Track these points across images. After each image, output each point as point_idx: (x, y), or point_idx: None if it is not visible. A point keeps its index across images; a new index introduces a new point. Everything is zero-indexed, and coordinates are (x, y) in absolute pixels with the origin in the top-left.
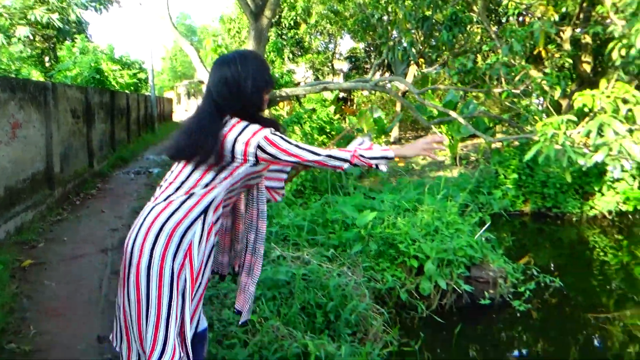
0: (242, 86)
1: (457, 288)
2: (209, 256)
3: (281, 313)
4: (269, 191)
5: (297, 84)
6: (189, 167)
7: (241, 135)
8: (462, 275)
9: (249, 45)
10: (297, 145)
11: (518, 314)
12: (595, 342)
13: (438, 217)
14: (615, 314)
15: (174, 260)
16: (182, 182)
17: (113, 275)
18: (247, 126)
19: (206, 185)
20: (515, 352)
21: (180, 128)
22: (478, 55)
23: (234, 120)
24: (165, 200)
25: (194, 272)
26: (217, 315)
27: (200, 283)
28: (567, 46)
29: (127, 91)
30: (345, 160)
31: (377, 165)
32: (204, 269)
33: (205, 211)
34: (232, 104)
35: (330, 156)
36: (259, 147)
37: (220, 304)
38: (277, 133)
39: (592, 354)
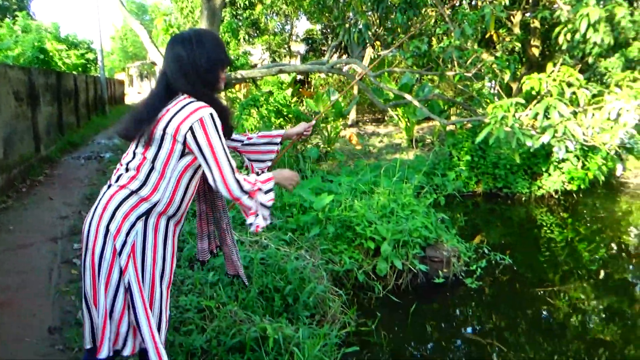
0: (197, 64)
1: (412, 268)
2: (164, 246)
3: (239, 298)
4: (251, 165)
5: (254, 66)
6: (133, 147)
7: (179, 113)
8: (417, 255)
9: (202, 25)
10: (225, 152)
11: (471, 291)
12: (543, 315)
13: (394, 199)
14: (560, 287)
15: (123, 245)
16: (128, 163)
17: (64, 265)
18: (189, 103)
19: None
20: (469, 328)
21: (134, 107)
22: (433, 38)
23: (182, 96)
24: (117, 182)
25: (136, 261)
26: (174, 302)
27: (162, 272)
28: (517, 30)
29: (74, 72)
30: (249, 209)
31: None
32: (163, 259)
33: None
34: (186, 83)
35: (243, 190)
36: (191, 129)
37: (177, 290)
38: (217, 121)
39: (539, 325)
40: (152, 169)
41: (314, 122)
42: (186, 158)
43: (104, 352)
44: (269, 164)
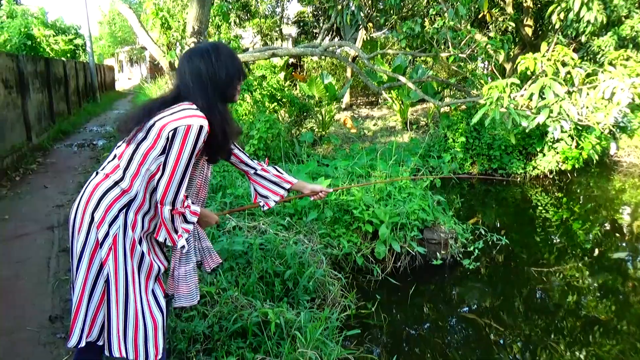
0: (216, 78)
1: (410, 250)
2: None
3: (239, 283)
4: (255, 195)
5: (245, 50)
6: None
7: (175, 113)
8: (415, 237)
9: (192, 9)
10: (186, 168)
11: (468, 272)
12: (539, 294)
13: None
14: (556, 266)
15: (105, 237)
16: (115, 151)
17: (61, 253)
18: (189, 109)
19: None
20: (467, 308)
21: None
22: (425, 19)
23: (187, 103)
24: (102, 170)
25: (117, 254)
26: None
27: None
28: (510, 10)
29: (63, 59)
30: (165, 223)
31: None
32: (141, 254)
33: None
34: (203, 96)
35: (172, 203)
36: (174, 130)
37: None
38: (201, 135)
39: (535, 304)
40: (130, 161)
41: (331, 190)
42: (160, 160)
43: (73, 340)
44: (273, 204)
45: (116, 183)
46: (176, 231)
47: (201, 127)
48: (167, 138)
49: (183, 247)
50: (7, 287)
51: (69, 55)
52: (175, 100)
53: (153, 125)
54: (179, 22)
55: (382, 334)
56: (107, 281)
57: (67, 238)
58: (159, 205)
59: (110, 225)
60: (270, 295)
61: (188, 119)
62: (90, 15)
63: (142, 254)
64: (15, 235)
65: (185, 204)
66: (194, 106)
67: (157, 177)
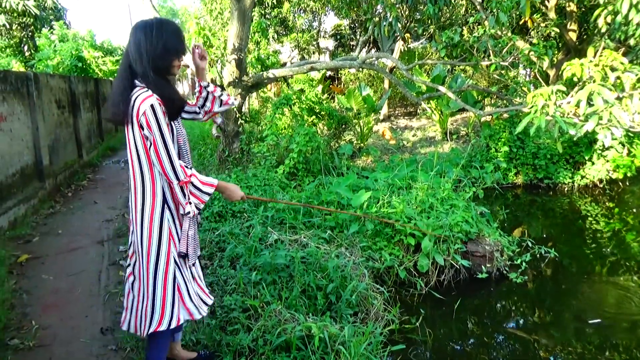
0: (154, 49)
1: (454, 263)
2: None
3: (282, 297)
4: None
5: (283, 64)
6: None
7: (137, 100)
8: (458, 250)
9: (233, 27)
10: (167, 148)
11: (515, 286)
12: (590, 309)
13: (432, 193)
14: (609, 280)
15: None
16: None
17: (111, 267)
18: (143, 92)
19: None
20: (514, 324)
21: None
22: (464, 27)
23: (138, 85)
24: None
25: None
26: (219, 302)
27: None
28: (552, 15)
29: (110, 78)
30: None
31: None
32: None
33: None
34: (140, 66)
35: (177, 176)
36: (143, 116)
37: (221, 290)
38: (157, 111)
39: (587, 319)
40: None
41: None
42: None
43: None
44: (228, 106)
45: None
46: (197, 202)
47: (152, 105)
48: (142, 126)
49: (188, 212)
50: (64, 298)
51: (115, 74)
52: (130, 71)
53: (131, 116)
54: (219, 39)
55: (427, 350)
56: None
57: (115, 252)
58: (170, 183)
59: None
60: (312, 309)
61: (145, 102)
62: None
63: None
64: (69, 249)
65: (189, 173)
66: (145, 87)
67: (153, 159)
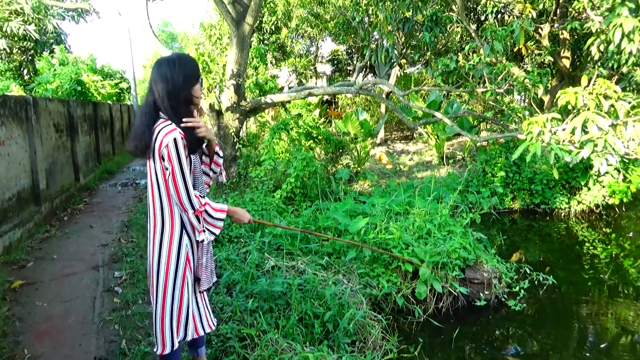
0: (177, 80)
1: (452, 291)
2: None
3: (279, 325)
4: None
5: (281, 89)
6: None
7: (160, 133)
8: (456, 277)
9: (232, 52)
10: (184, 179)
11: (514, 314)
12: (590, 336)
13: (430, 219)
14: (607, 307)
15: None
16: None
17: (106, 293)
18: (167, 125)
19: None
20: (513, 351)
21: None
22: (460, 54)
23: (161, 119)
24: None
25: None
26: (215, 331)
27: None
28: (546, 42)
29: (109, 102)
30: (197, 225)
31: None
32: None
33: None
34: (167, 99)
35: (192, 205)
36: (165, 148)
37: (217, 318)
38: (179, 145)
39: (587, 346)
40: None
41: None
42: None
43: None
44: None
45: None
46: (212, 230)
47: (175, 138)
48: (163, 157)
49: (203, 240)
50: (58, 325)
51: (114, 98)
52: (155, 106)
53: (154, 149)
54: (218, 64)
55: None
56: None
57: (110, 278)
58: (185, 212)
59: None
60: (310, 338)
61: (168, 135)
62: (135, 60)
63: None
64: (63, 275)
65: (203, 202)
66: (168, 121)
67: (170, 189)
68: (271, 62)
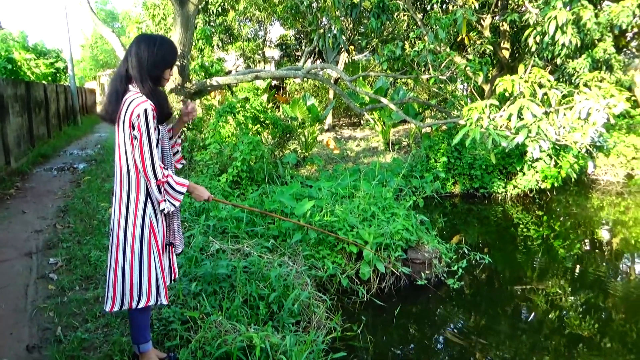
0: (153, 59)
1: (395, 271)
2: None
3: (223, 307)
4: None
5: (228, 73)
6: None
7: (130, 105)
8: (399, 258)
9: (176, 33)
10: (150, 149)
11: (453, 292)
12: (523, 313)
13: (374, 202)
14: (538, 285)
15: None
16: None
17: (40, 280)
18: (139, 96)
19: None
20: (452, 328)
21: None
22: (406, 42)
23: (134, 89)
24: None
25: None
26: (157, 314)
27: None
28: (487, 33)
29: (44, 82)
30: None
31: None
32: None
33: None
34: (139, 73)
35: (155, 175)
36: (136, 117)
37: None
38: (150, 116)
39: (519, 323)
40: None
41: (196, 109)
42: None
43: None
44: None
45: None
46: (173, 202)
47: (145, 109)
48: (133, 126)
49: (163, 209)
50: None
51: (50, 78)
52: (127, 77)
53: (124, 118)
54: None
55: (368, 356)
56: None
57: (45, 264)
58: (147, 182)
59: None
60: (254, 319)
61: (140, 105)
62: (72, 39)
63: None
64: None
65: (166, 173)
66: (139, 93)
67: (136, 158)
68: (218, 45)
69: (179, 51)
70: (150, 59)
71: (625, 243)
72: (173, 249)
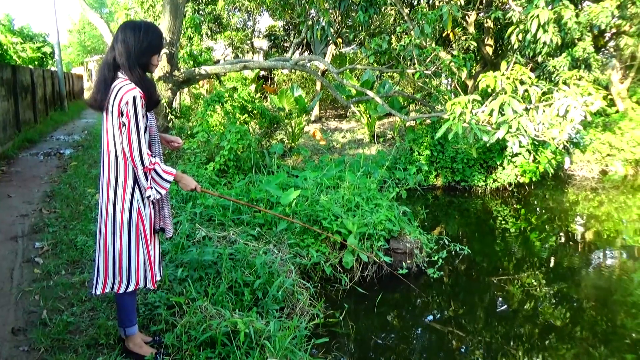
0: (140, 46)
1: (377, 260)
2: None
3: (209, 293)
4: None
5: (217, 62)
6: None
7: (119, 92)
8: (381, 247)
9: (165, 20)
10: (138, 136)
11: (432, 281)
12: (499, 302)
13: (358, 193)
14: (515, 275)
15: None
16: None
17: (25, 264)
18: (127, 84)
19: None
20: (431, 316)
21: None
22: (392, 36)
23: (122, 77)
24: None
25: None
26: (143, 299)
27: None
28: (472, 30)
29: (31, 66)
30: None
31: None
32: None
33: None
34: (127, 60)
35: (142, 162)
36: (125, 104)
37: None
38: (139, 103)
39: (496, 312)
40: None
41: (182, 143)
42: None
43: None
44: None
45: None
46: (159, 189)
47: (134, 97)
48: (122, 113)
49: (149, 196)
50: None
51: (36, 63)
52: (115, 63)
53: (113, 105)
54: None
55: (350, 342)
56: None
57: (31, 248)
58: (135, 168)
59: None
60: (239, 305)
61: (129, 92)
62: (60, 24)
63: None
64: None
65: (153, 161)
66: (128, 80)
67: (124, 144)
68: (206, 34)
69: (168, 39)
70: (137, 46)
71: (597, 236)
72: (164, 234)
